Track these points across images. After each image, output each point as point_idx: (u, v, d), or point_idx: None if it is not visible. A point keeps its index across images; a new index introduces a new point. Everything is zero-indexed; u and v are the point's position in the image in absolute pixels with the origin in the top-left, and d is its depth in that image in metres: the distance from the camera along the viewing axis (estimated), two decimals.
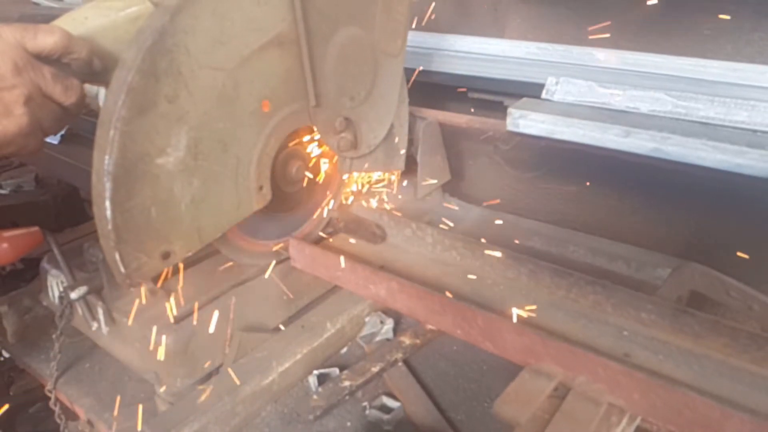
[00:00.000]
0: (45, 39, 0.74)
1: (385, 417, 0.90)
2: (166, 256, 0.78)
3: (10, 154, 0.77)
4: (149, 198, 0.74)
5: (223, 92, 0.79)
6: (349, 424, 0.91)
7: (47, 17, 0.88)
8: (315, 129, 0.97)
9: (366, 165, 1.08)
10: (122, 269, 0.73)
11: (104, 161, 0.69)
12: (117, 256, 0.72)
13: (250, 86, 0.82)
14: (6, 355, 2.08)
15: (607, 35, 1.30)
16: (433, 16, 1.52)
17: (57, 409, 1.11)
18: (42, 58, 0.75)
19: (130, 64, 0.69)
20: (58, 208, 1.61)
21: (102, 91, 0.83)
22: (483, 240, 1.06)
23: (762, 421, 0.65)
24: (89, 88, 0.89)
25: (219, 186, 0.83)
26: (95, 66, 0.80)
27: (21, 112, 0.73)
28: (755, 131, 0.99)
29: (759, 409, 0.72)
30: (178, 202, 0.77)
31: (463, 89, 1.38)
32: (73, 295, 0.89)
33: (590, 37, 1.29)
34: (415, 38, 1.47)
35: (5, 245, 0.85)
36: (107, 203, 0.69)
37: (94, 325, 0.94)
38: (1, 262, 0.86)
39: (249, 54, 0.80)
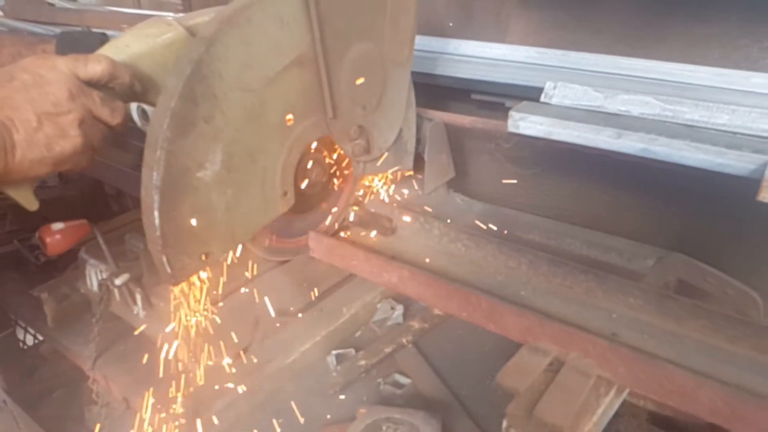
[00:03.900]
0: (94, 67, 0.83)
1: (398, 392, 1.00)
2: (205, 257, 0.86)
3: (65, 170, 0.86)
4: (191, 207, 0.82)
5: (251, 111, 0.87)
6: (365, 398, 1.01)
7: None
8: (333, 137, 1.05)
9: (378, 167, 1.17)
10: (168, 270, 0.82)
11: (152, 177, 0.77)
12: (164, 259, 0.81)
13: (275, 103, 0.91)
14: (29, 343, 2.18)
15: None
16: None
17: (95, 388, 1.21)
18: (91, 84, 0.84)
19: (172, 91, 0.77)
20: (85, 202, 1.70)
21: (134, 105, 0.92)
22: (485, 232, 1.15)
23: (730, 390, 0.75)
24: None
25: (249, 194, 0.91)
26: (136, 88, 0.90)
27: (75, 134, 0.82)
28: (735, 133, 1.06)
29: (730, 381, 0.81)
30: (215, 210, 0.86)
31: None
32: (117, 281, 0.98)
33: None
34: (421, 42, 1.55)
35: (58, 236, 0.94)
36: (155, 213, 0.77)
37: (135, 309, 1.03)
38: (55, 251, 0.95)
39: (274, 75, 0.88)
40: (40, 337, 2.11)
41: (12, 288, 1.54)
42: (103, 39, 1.09)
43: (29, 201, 0.86)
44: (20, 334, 2.07)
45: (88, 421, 2.01)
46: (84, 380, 2.00)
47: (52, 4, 2.64)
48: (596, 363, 0.82)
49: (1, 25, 2.48)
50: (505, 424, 0.74)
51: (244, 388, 0.97)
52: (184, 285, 0.94)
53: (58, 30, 2.19)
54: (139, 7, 2.73)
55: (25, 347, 2.09)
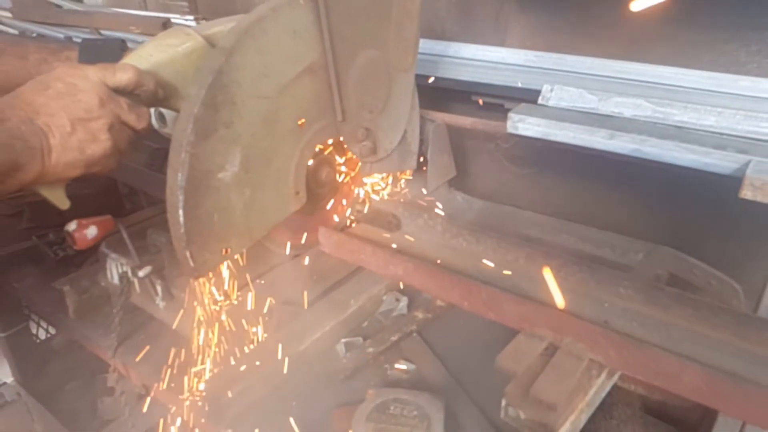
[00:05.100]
0: (121, 76, 0.90)
1: (403, 377, 1.06)
2: (225, 252, 0.92)
3: (94, 172, 0.92)
4: (212, 206, 0.87)
5: (267, 116, 0.92)
6: (372, 383, 1.07)
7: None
8: (341, 139, 1.11)
9: (383, 167, 1.23)
10: (192, 264, 0.87)
11: (177, 178, 0.82)
12: (188, 254, 0.86)
13: (289, 109, 0.96)
14: (42, 337, 2.25)
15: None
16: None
17: (116, 375, 1.28)
18: (119, 91, 0.90)
19: (195, 98, 0.82)
20: (99, 200, 1.76)
21: (151, 109, 0.98)
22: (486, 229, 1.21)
23: (711, 371, 0.81)
24: None
25: (264, 193, 0.96)
26: (159, 95, 0.96)
27: (105, 138, 0.88)
28: (721, 134, 1.10)
29: (713, 364, 0.87)
30: (234, 208, 0.91)
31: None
32: (141, 273, 1.04)
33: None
34: (423, 45, 1.60)
35: (85, 231, 1.01)
36: (180, 212, 0.83)
37: (156, 300, 1.09)
38: (82, 245, 1.02)
39: (287, 82, 0.94)
40: (53, 331, 2.18)
41: (31, 282, 1.60)
42: (123, 46, 1.15)
43: (61, 200, 0.93)
44: (33, 329, 2.13)
45: (100, 412, 2.08)
46: (96, 373, 2.08)
47: (59, 6, 2.69)
48: (588, 347, 0.88)
49: (9, 26, 2.53)
50: (504, 402, 0.80)
51: (260, 374, 1.04)
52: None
53: (67, 32, 2.24)
54: (146, 8, 2.77)
55: (38, 341, 2.16)
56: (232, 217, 0.92)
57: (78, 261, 1.57)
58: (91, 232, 1.00)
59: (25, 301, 1.76)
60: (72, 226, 0.98)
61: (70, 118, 0.85)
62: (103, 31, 2.13)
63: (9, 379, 2.38)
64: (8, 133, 0.81)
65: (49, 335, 2.18)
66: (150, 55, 0.97)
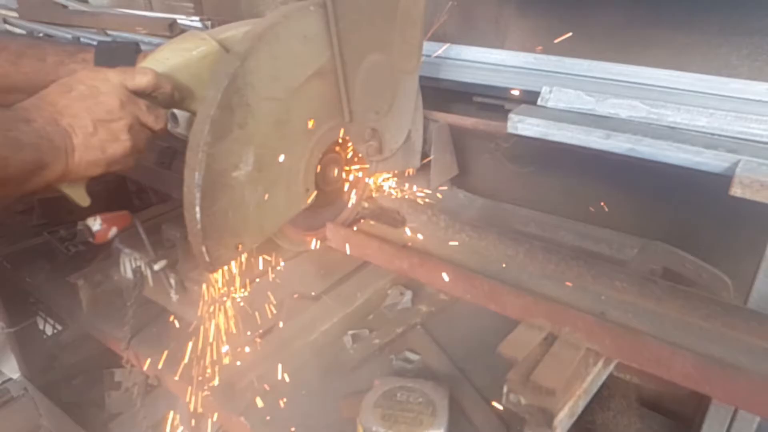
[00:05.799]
0: (141, 79, 0.94)
1: (408, 366, 1.11)
2: (238, 247, 0.95)
3: (114, 170, 0.96)
4: (227, 204, 0.91)
5: (279, 118, 0.96)
6: (378, 373, 1.12)
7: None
8: (349, 139, 1.15)
9: (388, 165, 1.27)
10: (207, 259, 0.91)
11: (195, 177, 0.86)
12: (204, 249, 0.89)
13: (299, 111, 0.99)
14: (48, 333, 2.29)
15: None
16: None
17: (129, 366, 1.32)
18: (138, 93, 0.94)
19: (212, 101, 0.85)
20: (109, 197, 1.80)
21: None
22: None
23: (700, 358, 0.86)
24: None
25: (276, 191, 1.00)
26: (175, 97, 1.00)
27: (125, 138, 0.92)
28: (712, 135, 1.14)
29: (703, 352, 0.92)
30: (248, 205, 0.94)
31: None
32: (156, 267, 1.08)
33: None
34: (425, 47, 1.65)
35: (104, 226, 1.05)
36: (197, 209, 0.86)
37: (171, 293, 1.13)
38: (101, 240, 1.06)
39: (298, 85, 0.97)
40: (59, 327, 2.22)
41: (43, 277, 1.64)
42: (137, 49, 1.20)
43: (82, 198, 0.97)
44: (40, 325, 2.17)
45: (108, 406, 2.12)
46: (104, 367, 2.11)
47: (65, 6, 2.72)
48: (585, 337, 0.91)
49: (16, 26, 2.56)
50: (505, 388, 0.85)
51: (271, 363, 1.08)
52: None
53: (73, 32, 2.28)
54: (151, 9, 2.81)
55: (45, 337, 2.20)
56: (245, 214, 0.95)
57: (89, 256, 1.61)
58: (113, 230, 1.05)
59: (38, 296, 1.80)
60: (96, 226, 1.02)
61: (92, 119, 0.90)
62: (109, 32, 2.17)
63: (15, 375, 2.41)
64: (35, 133, 0.85)
65: (55, 331, 2.22)
66: (166, 59, 1.01)
